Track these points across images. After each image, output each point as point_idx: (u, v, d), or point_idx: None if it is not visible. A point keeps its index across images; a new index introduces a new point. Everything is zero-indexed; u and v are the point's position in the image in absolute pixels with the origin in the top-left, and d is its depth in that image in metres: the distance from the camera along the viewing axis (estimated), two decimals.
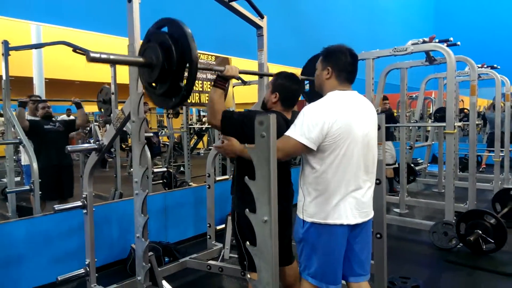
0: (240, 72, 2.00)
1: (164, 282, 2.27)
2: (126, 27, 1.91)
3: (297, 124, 1.61)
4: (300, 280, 1.79)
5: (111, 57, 1.41)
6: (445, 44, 3.83)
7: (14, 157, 4.42)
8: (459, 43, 4.09)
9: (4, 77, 3.62)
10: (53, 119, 4.18)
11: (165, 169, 5.55)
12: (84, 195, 2.34)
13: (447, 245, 3.60)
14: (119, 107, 2.28)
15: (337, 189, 1.63)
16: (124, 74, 2.20)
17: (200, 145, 10.31)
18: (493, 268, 3.18)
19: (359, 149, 1.64)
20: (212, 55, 4.17)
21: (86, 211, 2.36)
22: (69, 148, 2.21)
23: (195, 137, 9.69)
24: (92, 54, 1.32)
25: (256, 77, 2.90)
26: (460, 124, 3.93)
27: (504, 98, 5.91)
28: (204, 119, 11.07)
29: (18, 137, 3.57)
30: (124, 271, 3.11)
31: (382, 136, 1.94)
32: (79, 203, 2.34)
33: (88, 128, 6.94)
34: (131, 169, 2.63)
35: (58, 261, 2.91)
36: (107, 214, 3.23)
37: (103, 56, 1.36)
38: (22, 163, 4.20)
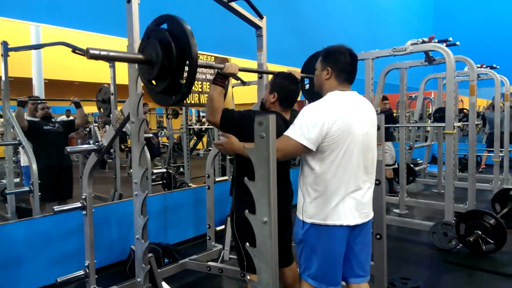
0: (240, 70, 1.99)
1: (163, 284, 2.27)
2: (126, 28, 1.91)
3: (296, 124, 1.60)
4: (300, 282, 1.78)
5: (111, 53, 1.41)
6: (444, 44, 3.83)
7: (14, 158, 4.41)
8: (458, 43, 4.08)
9: (3, 78, 3.61)
10: (53, 120, 4.16)
11: (164, 170, 5.53)
12: (83, 196, 2.33)
13: (447, 245, 3.60)
14: (119, 107, 2.27)
15: (336, 190, 1.62)
16: (123, 75, 2.20)
17: (199, 146, 10.29)
18: (493, 268, 3.18)
19: (358, 149, 1.64)
20: (211, 56, 4.16)
21: (85, 212, 2.35)
22: (68, 149, 2.20)
23: (195, 138, 9.68)
24: (91, 51, 1.32)
25: (255, 78, 2.90)
26: (459, 124, 3.93)
27: (503, 98, 5.92)
28: (203, 120, 11.05)
29: (18, 138, 3.56)
30: (124, 273, 3.11)
31: (381, 137, 1.94)
32: (78, 204, 2.33)
33: (88, 129, 6.93)
34: (131, 170, 2.63)
35: (57, 263, 2.90)
36: (106, 215, 3.23)
37: (103, 53, 1.36)
38: (22, 164, 4.18)
